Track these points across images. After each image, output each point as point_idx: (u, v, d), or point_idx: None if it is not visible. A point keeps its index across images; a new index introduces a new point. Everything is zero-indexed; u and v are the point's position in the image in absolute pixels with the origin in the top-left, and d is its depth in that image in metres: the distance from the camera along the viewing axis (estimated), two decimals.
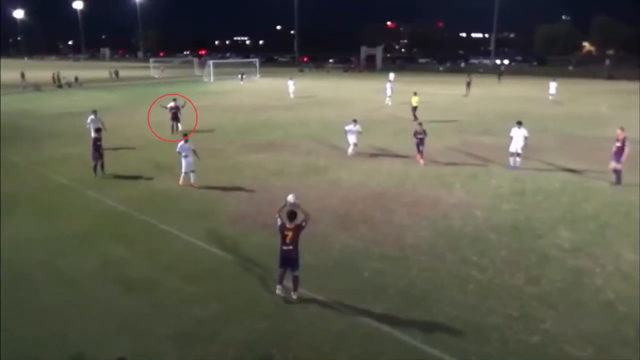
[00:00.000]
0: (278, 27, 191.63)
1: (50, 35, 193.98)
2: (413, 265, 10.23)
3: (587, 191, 15.08)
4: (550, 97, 37.87)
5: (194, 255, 10.82)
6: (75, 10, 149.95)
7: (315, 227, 12.28)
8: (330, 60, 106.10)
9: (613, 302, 8.79)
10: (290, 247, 8.78)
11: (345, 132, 19.54)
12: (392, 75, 50.86)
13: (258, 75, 67.69)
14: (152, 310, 8.66)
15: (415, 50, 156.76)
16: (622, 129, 15.53)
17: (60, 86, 52.51)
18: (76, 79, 55.39)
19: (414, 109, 28.54)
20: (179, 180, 15.85)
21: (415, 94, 29.00)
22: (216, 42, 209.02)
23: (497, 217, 12.82)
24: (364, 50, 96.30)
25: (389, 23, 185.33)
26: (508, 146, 17.99)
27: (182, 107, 25.39)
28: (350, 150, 19.56)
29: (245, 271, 10.03)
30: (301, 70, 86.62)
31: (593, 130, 25.59)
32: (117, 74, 66.75)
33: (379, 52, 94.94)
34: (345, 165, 18.20)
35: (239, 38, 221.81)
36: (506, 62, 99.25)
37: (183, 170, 15.77)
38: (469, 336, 7.82)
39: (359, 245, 11.26)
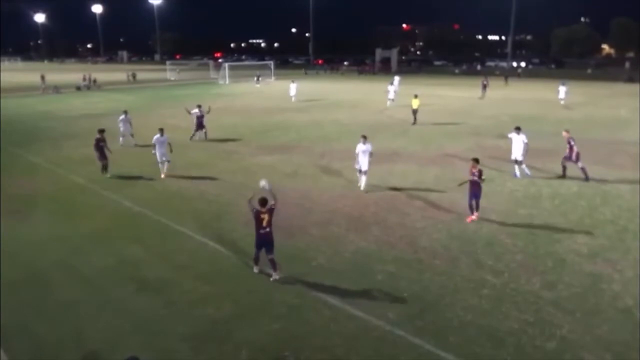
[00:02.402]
0: (293, 30, 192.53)
1: (69, 38, 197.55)
2: (427, 268, 10.16)
3: (605, 195, 14.83)
4: (561, 102, 36.98)
5: (208, 256, 10.88)
6: (94, 14, 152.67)
7: (329, 229, 12.30)
8: (345, 63, 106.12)
9: (631, 309, 8.61)
10: (267, 230, 9.54)
11: (357, 155, 15.30)
12: (396, 79, 50.59)
13: (273, 78, 67.98)
14: (166, 310, 8.72)
15: (431, 52, 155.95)
16: (567, 131, 16.73)
17: (79, 88, 53.35)
18: (94, 81, 56.24)
19: (415, 111, 28.22)
20: (187, 177, 16.03)
21: (416, 96, 28.49)
22: (232, 45, 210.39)
23: (513, 221, 12.66)
24: (379, 53, 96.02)
25: (404, 25, 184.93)
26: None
27: (207, 113, 24.28)
28: (362, 183, 15.49)
29: (259, 273, 10.03)
30: (307, 73, 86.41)
31: (612, 133, 25.18)
32: (134, 76, 67.45)
33: (394, 54, 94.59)
34: None
35: (254, 40, 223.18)
36: (523, 64, 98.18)
37: (158, 160, 16.82)
38: (483, 341, 7.73)
39: (372, 247, 11.21)
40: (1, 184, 16.24)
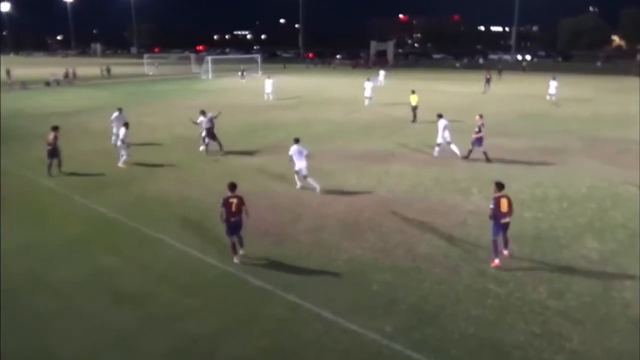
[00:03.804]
0: (282, 21, 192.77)
1: (38, 29, 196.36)
2: (426, 277, 10.21)
3: (615, 197, 14.99)
4: (552, 98, 36.65)
5: (190, 266, 10.85)
6: (64, 4, 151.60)
7: (320, 236, 12.31)
8: (338, 56, 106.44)
9: None
10: (238, 217, 10.56)
11: (291, 159, 15.65)
12: (381, 74, 50.75)
13: (260, 72, 67.94)
14: (144, 325, 8.69)
15: (429, 45, 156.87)
16: (481, 116, 19.25)
17: (48, 84, 52.96)
18: (69, 75, 55.98)
19: (414, 108, 28.31)
20: (167, 181, 16.00)
21: (413, 92, 28.65)
22: (215, 37, 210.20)
23: (518, 226, 12.71)
24: (374, 46, 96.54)
25: (401, 16, 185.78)
26: (528, 149, 17.98)
27: (215, 117, 21.02)
28: (299, 184, 15.98)
29: (245, 284, 10.03)
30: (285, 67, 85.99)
31: (622, 130, 25.43)
32: (108, 70, 67.15)
33: (390, 47, 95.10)
34: (352, 169, 18.21)
35: (239, 32, 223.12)
36: (528, 57, 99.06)
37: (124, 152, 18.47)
38: (487, 355, 7.78)
39: (368, 255, 11.25)
40: None
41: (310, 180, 15.58)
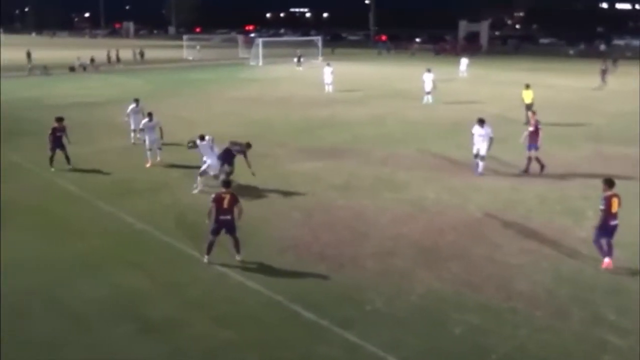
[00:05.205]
0: None
1: (63, 6, 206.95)
2: (524, 321, 9.93)
3: None
4: None
5: (230, 292, 11.03)
6: None
7: (390, 262, 12.24)
8: (417, 40, 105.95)
9: None
10: (229, 217, 11.74)
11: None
12: (463, 63, 49.80)
13: (320, 58, 68.68)
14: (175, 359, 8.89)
15: (534, 27, 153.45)
16: (534, 113, 20.09)
17: (73, 69, 55.72)
18: (92, 60, 58.71)
19: (528, 106, 27.61)
20: (205, 188, 16.30)
21: (527, 86, 28.06)
22: (267, 15, 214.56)
23: None
24: (464, 27, 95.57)
25: None
26: None
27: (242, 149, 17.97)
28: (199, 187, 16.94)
29: (294, 317, 10.09)
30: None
31: None
32: (142, 54, 69.78)
33: (484, 28, 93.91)
34: (432, 180, 18.04)
35: (296, 10, 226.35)
36: None
37: (147, 147, 19.61)
38: None
39: (449, 289, 11.08)
40: None
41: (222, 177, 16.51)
